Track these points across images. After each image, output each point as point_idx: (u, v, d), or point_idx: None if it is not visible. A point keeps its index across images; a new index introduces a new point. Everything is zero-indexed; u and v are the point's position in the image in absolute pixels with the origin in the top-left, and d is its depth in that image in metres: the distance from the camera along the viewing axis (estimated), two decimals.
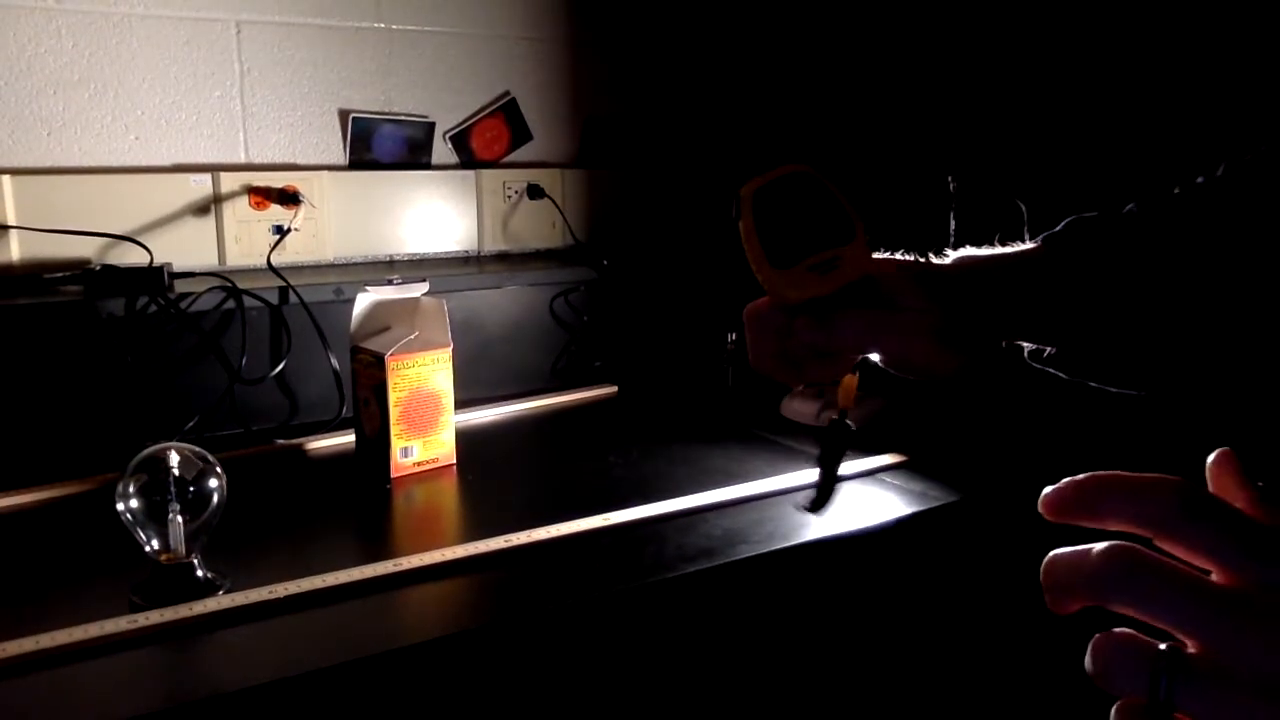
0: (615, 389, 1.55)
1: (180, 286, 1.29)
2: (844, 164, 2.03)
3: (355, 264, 1.56)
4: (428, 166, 1.62)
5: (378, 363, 1.13)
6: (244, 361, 1.31)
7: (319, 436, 1.28)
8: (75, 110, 1.36)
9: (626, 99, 1.80)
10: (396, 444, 1.14)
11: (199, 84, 1.44)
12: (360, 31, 1.54)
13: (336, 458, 1.24)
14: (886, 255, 0.70)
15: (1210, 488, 0.41)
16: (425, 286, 1.21)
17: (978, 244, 0.74)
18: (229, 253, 1.44)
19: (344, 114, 1.54)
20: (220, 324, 1.31)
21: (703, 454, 1.23)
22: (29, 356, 1.20)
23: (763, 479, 1.12)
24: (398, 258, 1.60)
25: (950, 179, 1.41)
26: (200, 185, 1.41)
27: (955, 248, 0.73)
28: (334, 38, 1.52)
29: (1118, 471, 0.38)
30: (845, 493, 1.11)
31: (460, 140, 1.65)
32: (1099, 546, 0.37)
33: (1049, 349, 0.71)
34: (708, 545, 0.96)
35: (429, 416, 1.16)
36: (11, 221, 1.29)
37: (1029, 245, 0.72)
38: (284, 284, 1.33)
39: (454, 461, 1.19)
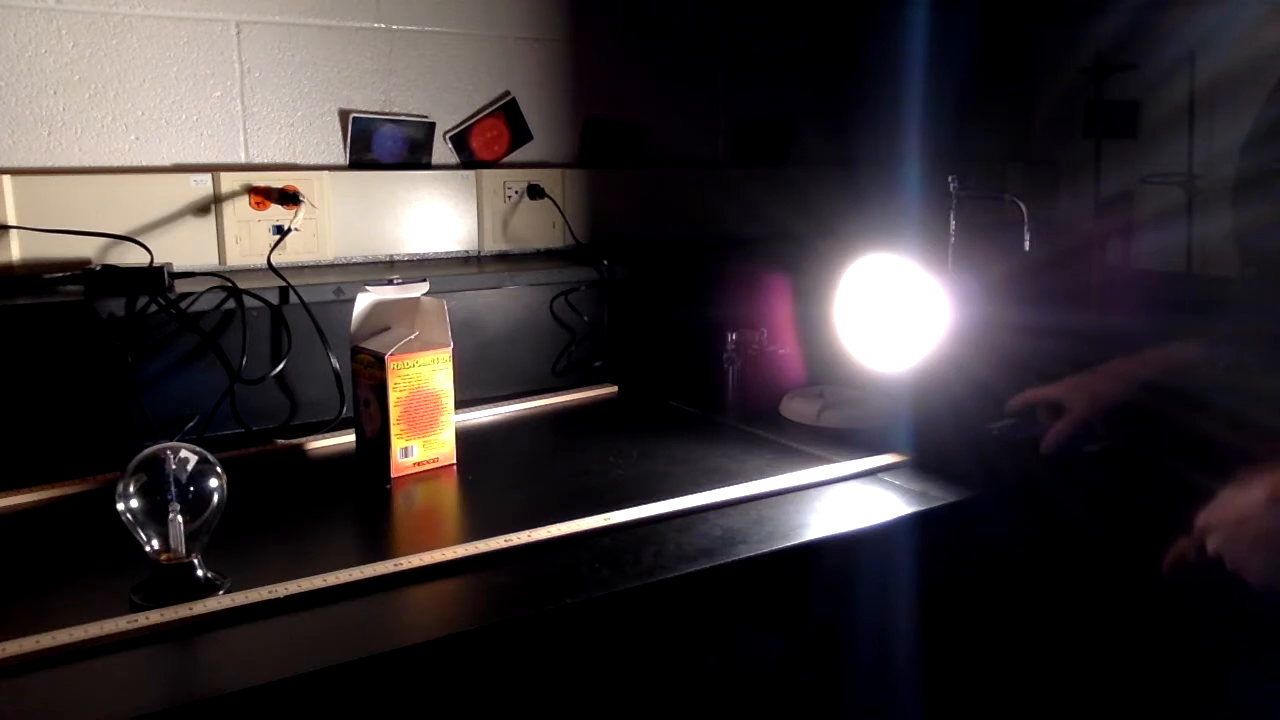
0: (615, 389, 1.55)
1: (180, 286, 1.29)
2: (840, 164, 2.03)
3: (355, 264, 1.56)
4: (428, 166, 1.62)
5: (378, 363, 1.13)
6: (244, 361, 1.31)
7: (319, 436, 1.28)
8: (75, 110, 1.36)
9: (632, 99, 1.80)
10: (396, 444, 1.14)
11: (199, 84, 1.44)
12: (360, 31, 1.54)
13: (336, 458, 1.24)
14: None
15: None
16: (425, 286, 1.21)
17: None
18: (229, 253, 1.43)
19: (344, 114, 1.54)
20: (220, 324, 1.31)
21: (703, 454, 1.23)
22: (29, 356, 1.20)
23: (763, 479, 1.12)
24: (398, 258, 1.60)
25: (950, 179, 1.41)
26: (200, 185, 1.41)
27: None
28: (334, 38, 1.52)
29: None
30: (845, 493, 1.11)
31: (460, 140, 1.65)
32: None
33: None
34: (708, 545, 0.96)
35: (429, 416, 1.16)
36: (11, 221, 1.29)
37: None
38: (284, 284, 1.33)
39: (454, 461, 1.19)
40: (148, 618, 0.79)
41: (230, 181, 1.43)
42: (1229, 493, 0.91)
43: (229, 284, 1.30)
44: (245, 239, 1.44)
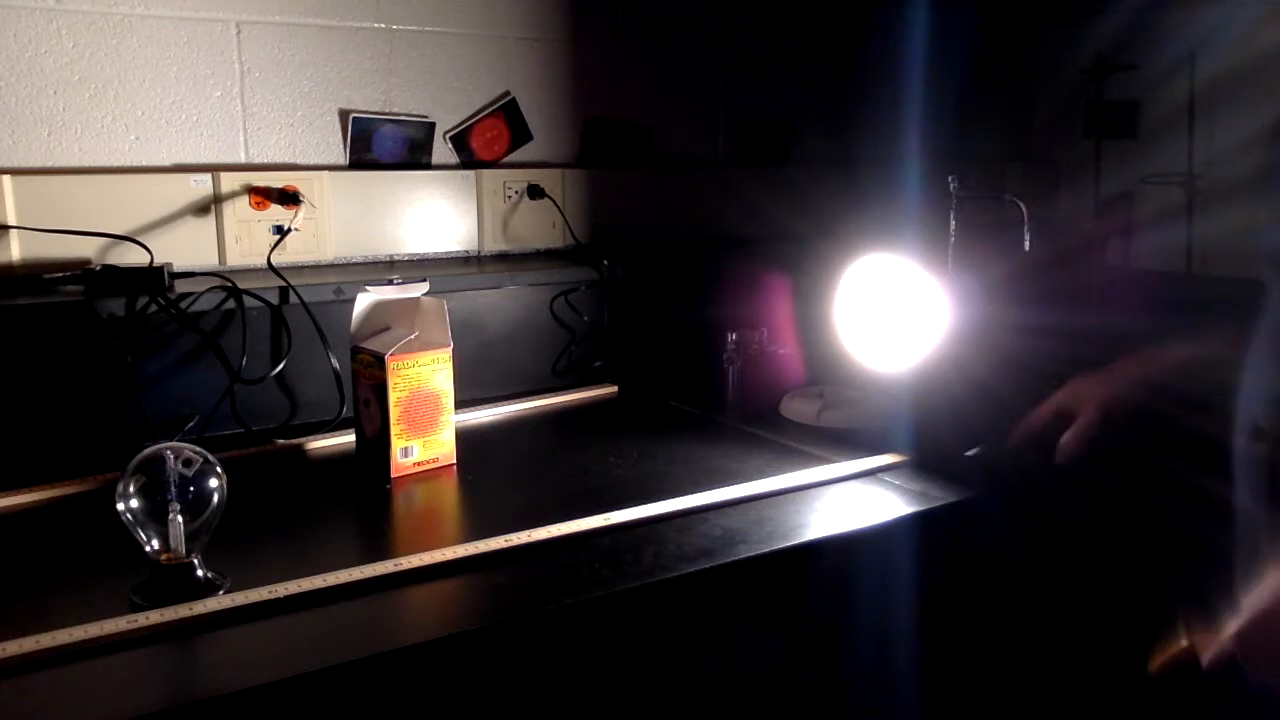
0: (615, 389, 1.55)
1: (180, 286, 1.29)
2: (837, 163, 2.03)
3: (355, 264, 1.56)
4: (428, 166, 1.62)
5: (378, 363, 1.13)
6: (244, 361, 1.31)
7: (319, 436, 1.28)
8: (75, 110, 1.36)
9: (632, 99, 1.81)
10: (396, 444, 1.14)
11: (199, 84, 1.44)
12: (360, 31, 1.54)
13: (336, 458, 1.24)
14: None
15: None
16: (425, 286, 1.21)
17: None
18: (229, 253, 1.43)
19: (344, 114, 1.54)
20: (220, 324, 1.31)
21: (703, 454, 1.23)
22: (29, 356, 1.20)
23: (763, 479, 1.12)
24: (398, 258, 1.60)
25: (950, 179, 1.41)
26: (200, 185, 1.41)
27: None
28: (334, 38, 1.52)
29: None
30: (845, 493, 1.11)
31: (460, 140, 1.65)
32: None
33: None
34: (708, 545, 0.96)
35: (429, 416, 1.16)
36: (12, 221, 1.29)
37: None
38: (284, 284, 1.33)
39: (454, 461, 1.19)
40: (148, 618, 0.79)
41: (230, 181, 1.43)
42: (1274, 606, 0.74)
43: (229, 284, 1.30)
44: (245, 239, 1.44)
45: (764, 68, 1.95)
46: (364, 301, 1.17)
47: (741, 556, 0.94)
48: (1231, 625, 0.76)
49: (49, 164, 1.35)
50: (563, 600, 0.85)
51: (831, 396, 1.39)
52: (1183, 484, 1.02)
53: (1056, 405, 1.15)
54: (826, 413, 1.35)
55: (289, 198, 1.44)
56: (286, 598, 0.83)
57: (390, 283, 1.19)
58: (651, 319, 1.66)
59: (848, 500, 1.09)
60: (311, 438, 1.27)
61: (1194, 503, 1.00)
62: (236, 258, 1.44)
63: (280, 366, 1.34)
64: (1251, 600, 0.76)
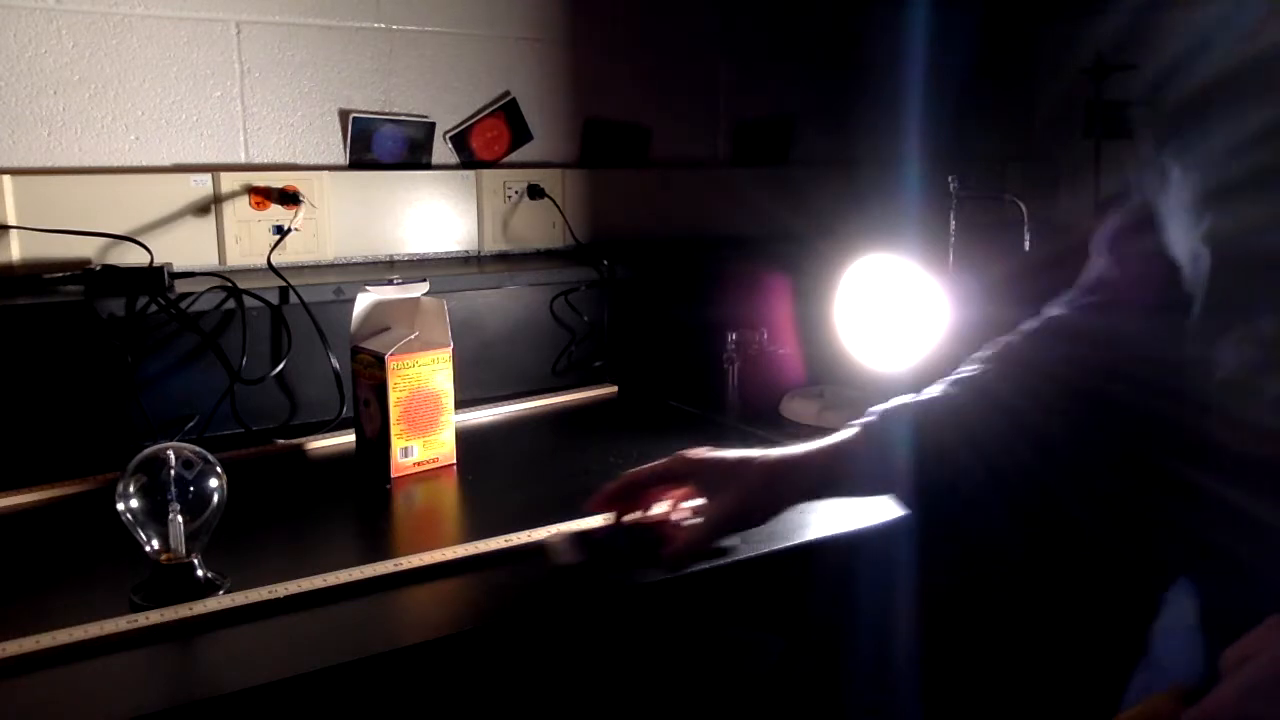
0: (615, 389, 1.55)
1: (180, 286, 1.29)
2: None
3: (355, 264, 1.56)
4: (428, 166, 1.62)
5: (378, 363, 1.13)
6: (244, 361, 1.31)
7: (319, 436, 1.28)
8: (75, 110, 1.36)
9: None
10: (396, 444, 1.14)
11: (199, 84, 1.44)
12: (360, 31, 1.54)
13: (336, 458, 1.24)
14: None
15: None
16: (425, 286, 1.21)
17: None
18: (229, 253, 1.43)
19: (344, 114, 1.54)
20: (220, 324, 1.31)
21: None
22: (29, 356, 1.20)
23: None
24: (398, 258, 1.60)
25: (950, 179, 1.41)
26: (200, 185, 1.41)
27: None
28: (334, 38, 1.52)
29: None
30: None
31: (460, 140, 1.65)
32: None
33: None
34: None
35: (429, 416, 1.16)
36: (11, 221, 1.29)
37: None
38: (284, 284, 1.33)
39: (454, 461, 1.19)
40: (148, 618, 0.79)
41: (230, 181, 1.43)
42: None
43: (229, 284, 1.30)
44: (245, 239, 1.44)
45: (764, 68, 1.95)
46: (364, 301, 1.17)
47: (741, 556, 0.94)
48: (1234, 681, 0.56)
49: (49, 164, 1.35)
50: (563, 600, 0.85)
51: (831, 396, 1.39)
52: (1183, 484, 1.02)
53: (665, 476, 0.97)
54: (826, 413, 1.35)
55: (289, 198, 1.44)
56: (286, 598, 0.83)
57: (390, 283, 1.19)
58: (651, 319, 1.66)
59: (848, 500, 1.09)
60: (311, 438, 1.27)
61: (1193, 502, 1.00)
62: (236, 258, 1.44)
63: (280, 366, 1.34)
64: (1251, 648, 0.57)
